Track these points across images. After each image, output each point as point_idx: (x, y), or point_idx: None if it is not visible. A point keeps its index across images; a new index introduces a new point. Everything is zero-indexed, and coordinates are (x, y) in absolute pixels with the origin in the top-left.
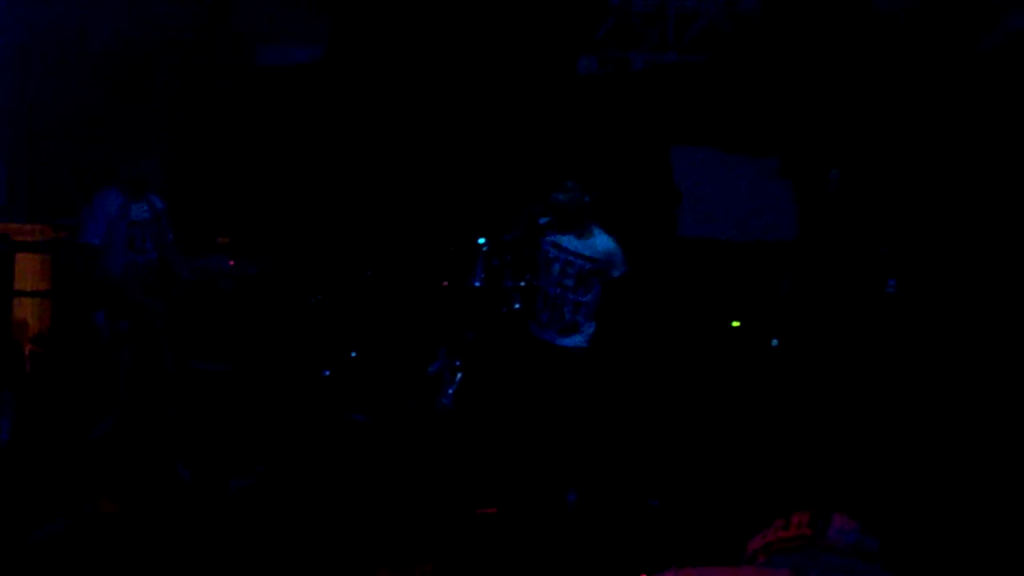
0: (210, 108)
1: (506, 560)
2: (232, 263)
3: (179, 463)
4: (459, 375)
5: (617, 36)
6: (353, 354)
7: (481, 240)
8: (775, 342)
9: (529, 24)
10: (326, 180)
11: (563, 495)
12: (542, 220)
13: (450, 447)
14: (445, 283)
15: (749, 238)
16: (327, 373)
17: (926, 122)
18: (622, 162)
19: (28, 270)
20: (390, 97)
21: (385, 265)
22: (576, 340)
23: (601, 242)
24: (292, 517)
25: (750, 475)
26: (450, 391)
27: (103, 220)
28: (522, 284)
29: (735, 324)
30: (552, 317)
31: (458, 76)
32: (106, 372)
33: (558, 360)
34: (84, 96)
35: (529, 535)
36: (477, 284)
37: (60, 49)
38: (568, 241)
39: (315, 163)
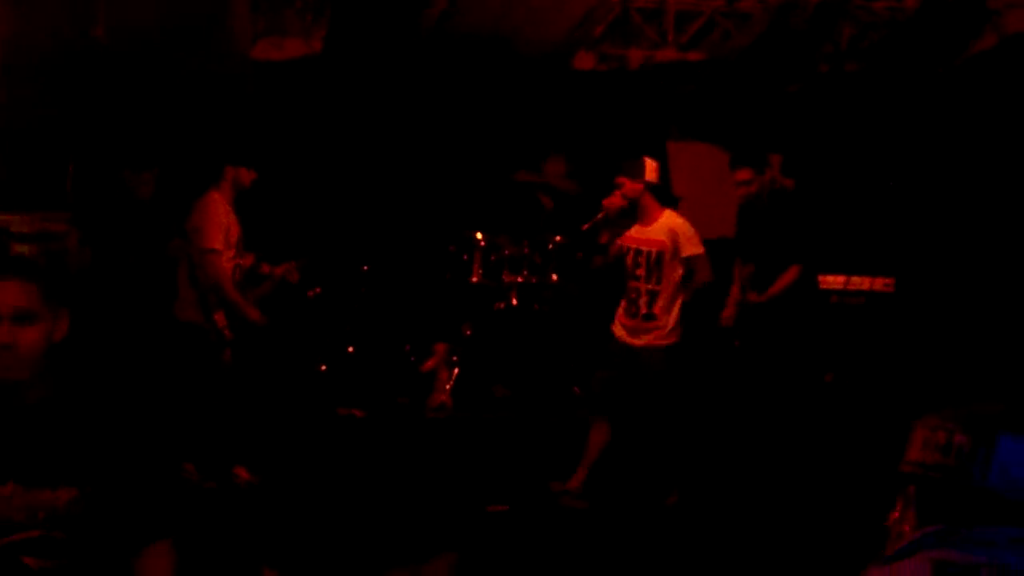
0: (205, 102)
1: (523, 557)
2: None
3: (184, 460)
4: (456, 371)
5: (616, 32)
6: (350, 349)
7: (479, 235)
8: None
9: (527, 20)
10: (323, 174)
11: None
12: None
13: (448, 444)
14: (448, 275)
15: None
16: (323, 368)
17: (919, 126)
18: (618, 158)
19: None
20: (388, 91)
21: (383, 260)
22: (649, 338)
23: (665, 222)
24: (297, 513)
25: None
26: (447, 387)
27: (222, 225)
28: (519, 280)
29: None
30: (628, 312)
31: (456, 71)
32: (210, 373)
33: (634, 361)
34: (76, 90)
35: (544, 533)
36: (475, 280)
37: (51, 44)
38: (635, 231)
39: (312, 157)
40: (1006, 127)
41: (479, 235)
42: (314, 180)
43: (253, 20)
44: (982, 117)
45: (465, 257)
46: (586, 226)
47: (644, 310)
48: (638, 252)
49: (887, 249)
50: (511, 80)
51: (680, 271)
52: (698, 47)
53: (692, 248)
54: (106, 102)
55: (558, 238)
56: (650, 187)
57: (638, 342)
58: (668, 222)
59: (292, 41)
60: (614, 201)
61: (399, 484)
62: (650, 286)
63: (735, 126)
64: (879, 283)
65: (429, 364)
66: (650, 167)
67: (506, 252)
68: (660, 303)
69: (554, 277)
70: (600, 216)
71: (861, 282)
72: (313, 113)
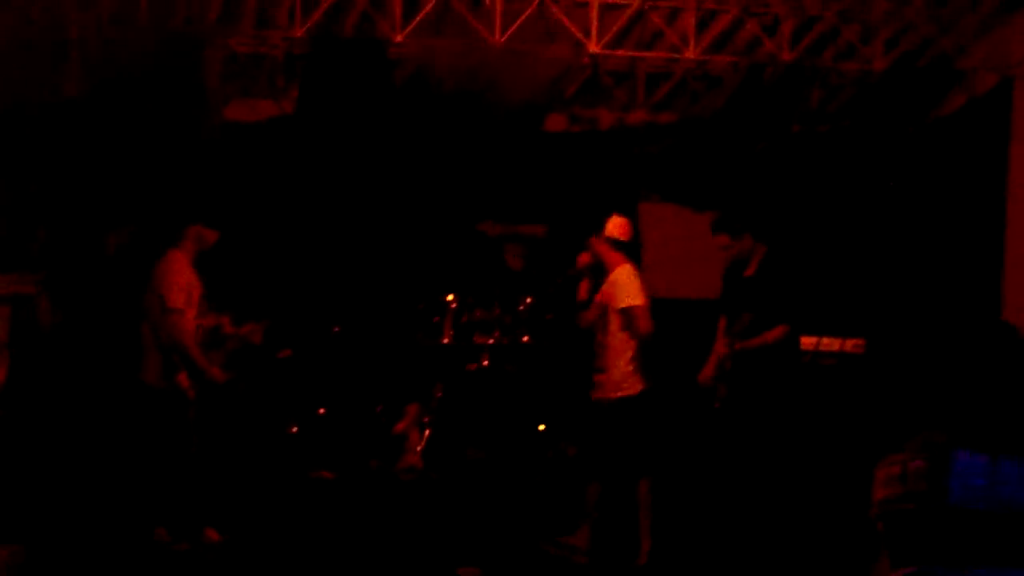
0: (176, 161)
1: None
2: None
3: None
4: (427, 432)
5: (587, 94)
6: (321, 411)
7: (450, 297)
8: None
9: (499, 82)
10: (294, 235)
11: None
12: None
13: (419, 506)
14: (420, 336)
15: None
16: (294, 430)
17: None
18: (589, 219)
19: None
20: (358, 151)
21: (354, 321)
22: (601, 392)
23: (613, 276)
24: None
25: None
26: (418, 449)
27: (183, 285)
28: (490, 341)
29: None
30: (595, 367)
31: (427, 132)
32: (177, 436)
33: (595, 415)
34: (48, 148)
35: None
36: (446, 341)
37: (22, 103)
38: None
39: (284, 218)
40: (975, 186)
41: (450, 297)
42: (285, 241)
43: (225, 82)
44: (952, 176)
45: (436, 319)
46: (558, 281)
47: (598, 363)
48: (597, 305)
49: (858, 309)
50: (483, 140)
51: (619, 323)
52: (669, 109)
53: (625, 300)
54: (78, 161)
55: (529, 299)
56: (610, 242)
57: (596, 395)
58: (615, 275)
59: (264, 103)
60: (583, 257)
61: (370, 546)
62: (601, 339)
63: (707, 187)
64: (850, 344)
65: (400, 426)
66: (612, 224)
67: (477, 314)
68: (608, 355)
69: (525, 338)
70: (571, 272)
71: (832, 343)
72: (284, 173)
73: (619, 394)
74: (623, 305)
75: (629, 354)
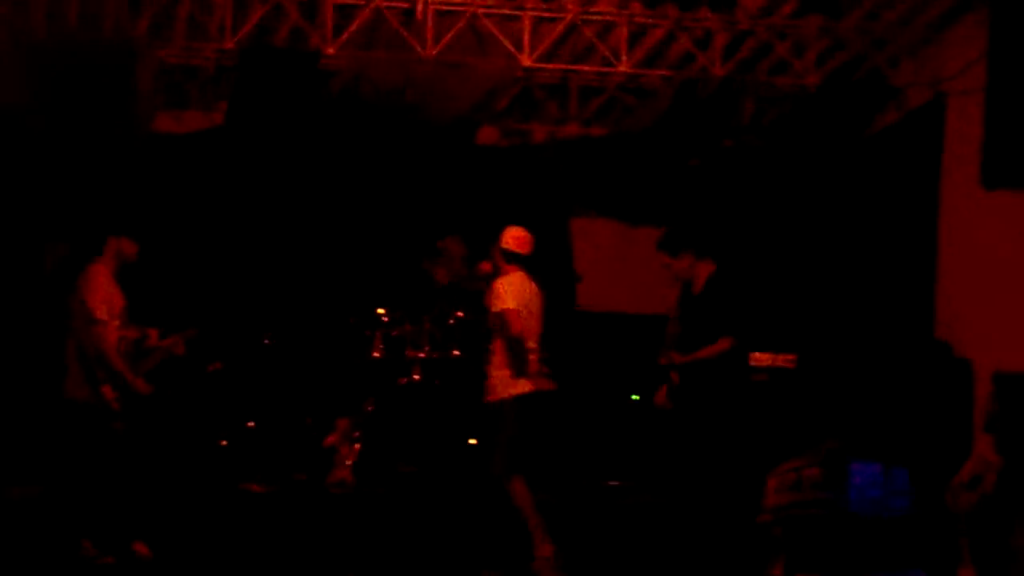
0: (108, 175)
1: None
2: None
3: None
4: (358, 447)
5: (519, 107)
6: (250, 424)
7: (380, 311)
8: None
9: (431, 94)
10: (224, 247)
11: None
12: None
13: (349, 520)
14: (350, 350)
15: (647, 311)
16: (223, 443)
17: (824, 201)
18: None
19: None
20: (289, 163)
21: (284, 334)
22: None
23: (494, 283)
24: None
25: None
26: (348, 463)
27: (105, 297)
28: (421, 355)
29: (635, 397)
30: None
31: (358, 144)
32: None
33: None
34: None
35: None
36: (376, 355)
37: None
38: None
39: (214, 229)
40: (909, 201)
41: (381, 310)
42: (216, 252)
43: (156, 93)
44: (886, 191)
45: (367, 332)
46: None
47: (484, 367)
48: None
49: (789, 325)
50: (415, 153)
51: (496, 328)
52: (601, 122)
53: (496, 305)
54: (5, 174)
55: (459, 313)
56: (504, 253)
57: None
58: (495, 282)
59: (192, 114)
60: (484, 266)
61: (299, 561)
62: (489, 345)
63: (641, 201)
64: (781, 359)
65: (330, 439)
66: (508, 234)
67: (408, 327)
68: (490, 360)
69: (456, 352)
70: (474, 280)
71: (763, 358)
72: (215, 185)
73: (494, 397)
74: (494, 310)
75: (503, 359)
